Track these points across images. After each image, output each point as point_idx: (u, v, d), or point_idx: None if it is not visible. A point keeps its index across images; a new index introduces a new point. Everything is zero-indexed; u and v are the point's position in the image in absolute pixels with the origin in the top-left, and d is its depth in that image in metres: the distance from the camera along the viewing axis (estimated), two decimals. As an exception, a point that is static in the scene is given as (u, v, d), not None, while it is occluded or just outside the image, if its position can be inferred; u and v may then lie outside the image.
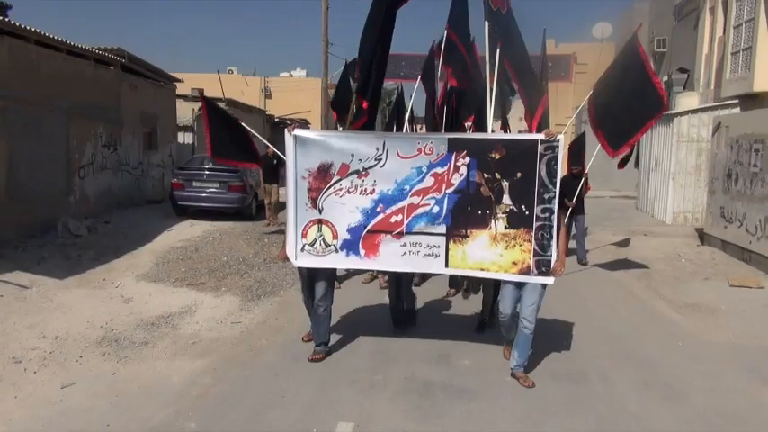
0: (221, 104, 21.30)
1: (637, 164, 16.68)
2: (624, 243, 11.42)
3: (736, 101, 13.44)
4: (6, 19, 9.22)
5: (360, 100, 5.76)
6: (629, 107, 5.88)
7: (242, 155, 5.82)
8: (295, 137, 4.90)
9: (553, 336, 5.73)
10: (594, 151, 8.12)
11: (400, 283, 5.89)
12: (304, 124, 31.53)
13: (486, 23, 5.68)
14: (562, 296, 6.74)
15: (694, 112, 13.91)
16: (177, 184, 12.73)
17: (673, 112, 14.10)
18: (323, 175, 4.93)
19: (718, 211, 10.77)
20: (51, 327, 5.84)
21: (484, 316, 6.05)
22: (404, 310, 5.98)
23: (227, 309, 6.71)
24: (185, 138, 18.39)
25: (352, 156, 4.88)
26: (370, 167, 4.87)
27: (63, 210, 10.48)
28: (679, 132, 13.66)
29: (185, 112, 18.26)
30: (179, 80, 17.05)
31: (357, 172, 4.90)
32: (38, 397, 4.41)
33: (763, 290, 7.90)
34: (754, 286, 8.00)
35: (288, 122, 30.34)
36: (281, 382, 4.72)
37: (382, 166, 4.86)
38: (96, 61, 11.96)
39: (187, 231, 11.41)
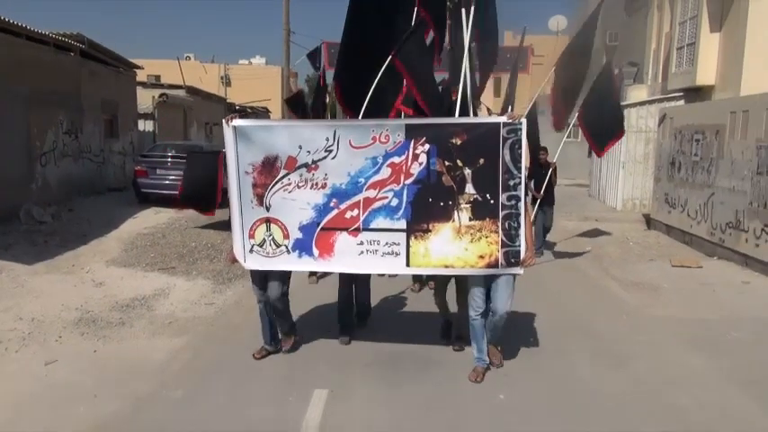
0: (181, 91, 21.23)
1: (590, 153, 17.46)
2: (577, 228, 12.02)
3: (681, 93, 14.24)
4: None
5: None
6: (606, 112, 7.35)
7: (204, 204, 5.94)
8: (234, 128, 4.49)
9: (511, 313, 6.14)
10: (561, 142, 8.92)
11: (353, 282, 5.47)
12: (264, 113, 31.44)
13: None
14: (519, 278, 7.20)
15: (642, 104, 14.63)
16: (141, 172, 12.73)
17: (623, 103, 14.79)
18: (268, 170, 4.55)
19: (662, 198, 11.47)
20: (26, 310, 5.96)
21: (458, 331, 5.33)
22: (355, 311, 5.60)
23: (199, 291, 6.92)
24: (146, 125, 18.26)
25: (300, 147, 4.50)
26: (321, 159, 4.50)
27: (25, 197, 10.42)
28: (628, 123, 14.32)
29: (145, 99, 18.11)
30: (139, 67, 16.90)
31: (306, 165, 4.52)
32: (22, 373, 4.58)
33: (701, 269, 8.55)
34: (694, 266, 8.65)
35: (249, 110, 30.22)
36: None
37: (333, 158, 4.49)
38: (56, 47, 11.83)
39: (152, 218, 11.48)
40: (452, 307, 5.30)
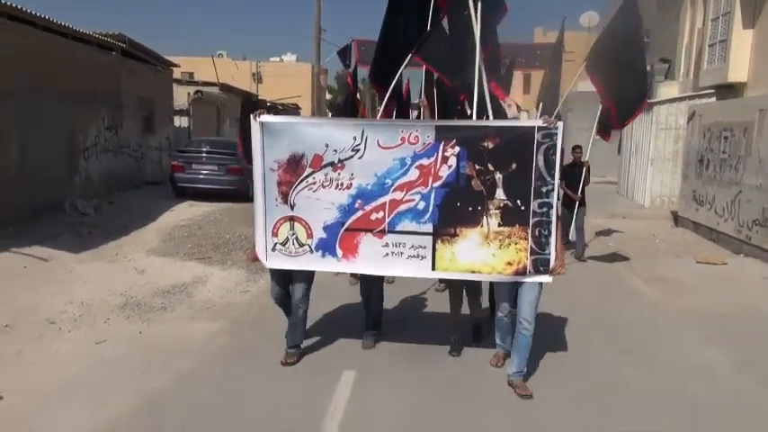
0: (215, 89, 21.79)
1: (619, 150, 17.41)
2: (604, 225, 12.09)
3: (713, 91, 14.11)
4: (14, 4, 9.59)
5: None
6: (629, 82, 6.80)
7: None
8: (261, 123, 4.44)
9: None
10: (590, 139, 8.55)
11: (373, 283, 5.34)
12: (295, 110, 31.94)
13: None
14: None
15: (672, 101, 14.56)
16: (177, 167, 13.21)
17: (653, 100, 14.74)
18: (294, 168, 4.49)
19: (690, 195, 11.47)
20: (75, 294, 6.38)
21: (478, 322, 5.42)
22: (371, 313, 5.42)
23: (234, 279, 7.29)
24: (181, 121, 18.81)
25: (327, 146, 4.43)
26: (347, 159, 4.42)
27: (69, 190, 10.94)
28: (658, 120, 14.31)
29: (181, 96, 18.65)
30: (176, 65, 17.45)
31: (332, 164, 4.45)
32: (76, 351, 4.97)
33: (725, 266, 8.60)
34: (718, 263, 8.70)
35: (280, 107, 30.73)
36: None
37: (360, 158, 4.41)
38: (99, 46, 12.36)
39: (188, 211, 11.93)
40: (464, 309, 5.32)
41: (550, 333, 5.64)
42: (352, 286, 6.77)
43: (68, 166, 11.20)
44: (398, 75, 5.91)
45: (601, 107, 7.74)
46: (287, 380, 4.55)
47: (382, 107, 6.27)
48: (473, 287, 5.21)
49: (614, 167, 18.52)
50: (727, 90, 13.53)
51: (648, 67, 18.43)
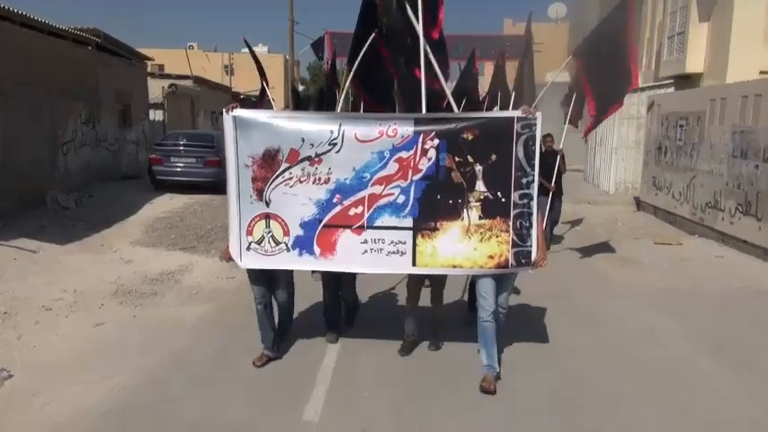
0: (189, 82, 21.85)
1: (585, 139, 18.05)
2: (570, 211, 12.64)
3: (672, 81, 14.80)
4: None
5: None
6: (613, 75, 6.52)
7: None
8: (234, 118, 4.32)
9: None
10: (563, 130, 8.49)
11: (339, 279, 5.20)
12: (268, 102, 32.00)
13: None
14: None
15: (635, 91, 15.16)
16: (155, 159, 13.40)
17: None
18: (269, 163, 4.36)
19: (650, 181, 12.11)
20: (67, 283, 6.65)
21: (437, 321, 5.19)
22: (341, 310, 5.39)
23: (220, 267, 7.58)
24: (156, 115, 18.89)
25: (303, 140, 4.32)
26: (324, 153, 4.32)
27: (49, 184, 11.09)
28: (621, 110, 14.89)
29: (155, 89, 18.72)
30: (150, 58, 17.53)
31: (309, 158, 4.34)
32: (75, 334, 5.28)
33: (681, 246, 9.22)
34: (675, 243, 9.32)
35: (253, 99, 30.82)
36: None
37: (338, 152, 4.32)
38: (74, 41, 12.45)
39: (168, 204, 12.16)
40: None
41: (524, 309, 6.12)
42: (315, 282, 6.13)
43: (49, 161, 11.35)
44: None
45: (575, 97, 7.85)
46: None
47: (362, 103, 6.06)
48: (438, 277, 5.01)
49: (582, 156, 19.19)
50: (686, 80, 14.23)
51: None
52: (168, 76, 20.75)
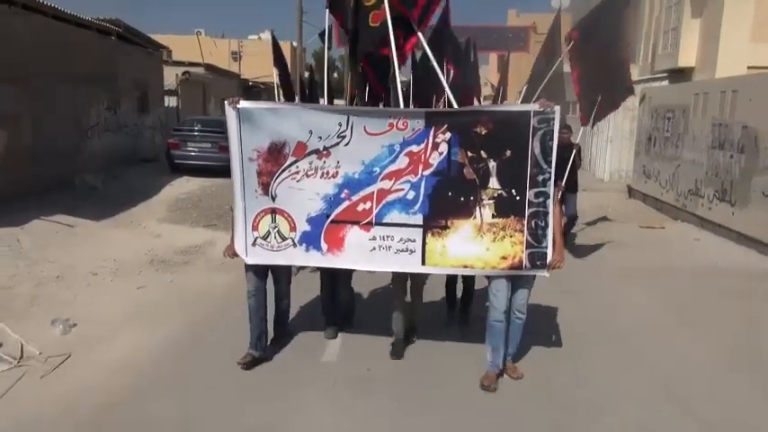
0: (200, 69, 22.55)
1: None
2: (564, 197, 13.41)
3: (666, 74, 15.47)
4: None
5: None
6: (607, 86, 6.30)
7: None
8: (238, 111, 4.16)
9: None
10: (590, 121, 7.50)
11: (337, 276, 5.11)
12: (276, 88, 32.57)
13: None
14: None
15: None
16: (173, 144, 14.19)
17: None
18: (275, 157, 4.23)
19: (641, 170, 12.84)
20: (106, 254, 7.45)
21: (413, 323, 5.04)
22: (339, 308, 5.28)
23: (241, 242, 8.40)
24: (170, 101, 19.63)
25: (311, 132, 4.18)
26: (332, 146, 4.18)
27: (77, 166, 11.87)
28: (616, 101, 15.59)
29: (169, 76, 19.43)
30: (166, 47, 18.22)
31: (316, 152, 4.21)
32: (122, 295, 6.09)
33: (663, 230, 9.98)
34: (657, 227, 10.08)
35: (261, 86, 31.45)
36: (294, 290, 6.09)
37: (346, 145, 4.18)
38: (98, 32, 13.17)
39: (186, 185, 12.96)
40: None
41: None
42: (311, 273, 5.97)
43: (75, 145, 12.12)
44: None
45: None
46: (294, 324, 5.71)
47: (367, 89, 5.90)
48: (417, 278, 4.89)
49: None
50: (679, 74, 14.89)
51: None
52: (181, 64, 21.43)
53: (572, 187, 8.21)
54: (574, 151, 7.60)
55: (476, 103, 4.79)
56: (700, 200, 9.85)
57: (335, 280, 5.16)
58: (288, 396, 4.12)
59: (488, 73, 33.74)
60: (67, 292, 6.02)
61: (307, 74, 10.24)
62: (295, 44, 27.77)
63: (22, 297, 5.73)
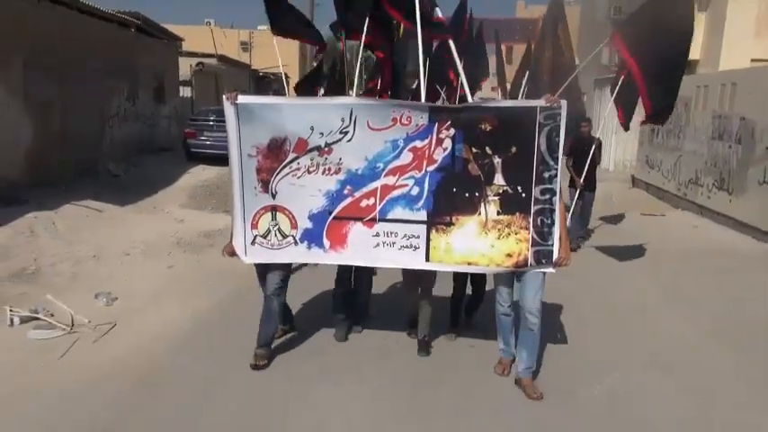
0: (213, 60, 22.97)
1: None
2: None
3: (672, 66, 15.71)
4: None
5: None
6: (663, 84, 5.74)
7: (305, 30, 5.51)
8: (237, 106, 4.05)
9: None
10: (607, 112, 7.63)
11: (359, 277, 5.08)
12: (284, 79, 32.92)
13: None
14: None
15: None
16: (190, 133, 14.66)
17: (618, 75, 16.30)
18: (275, 153, 4.14)
19: (644, 160, 13.20)
20: (136, 236, 7.93)
21: (424, 333, 4.78)
22: (356, 303, 5.17)
23: (260, 227, 8.87)
24: (184, 92, 20.08)
25: (312, 128, 4.10)
26: (335, 142, 4.11)
27: (100, 154, 12.36)
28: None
29: (183, 67, 19.87)
30: (181, 39, 18.64)
31: (318, 148, 4.13)
32: (154, 273, 6.57)
33: (664, 217, 10.37)
34: (658, 214, 10.47)
35: (271, 77, 31.83)
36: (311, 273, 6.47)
37: (349, 140, 4.10)
38: (119, 24, 13.62)
39: (203, 173, 13.43)
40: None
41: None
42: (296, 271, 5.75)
43: (98, 134, 12.60)
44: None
45: (622, 81, 6.52)
46: (307, 307, 6.15)
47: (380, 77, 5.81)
48: (428, 281, 4.72)
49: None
50: (687, 66, 15.13)
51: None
52: (194, 55, 21.86)
53: (591, 185, 7.88)
54: (594, 145, 7.23)
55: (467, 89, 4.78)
56: (699, 189, 10.22)
57: (358, 281, 5.09)
58: (311, 363, 4.58)
59: (492, 64, 33.80)
60: (104, 270, 6.51)
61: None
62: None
63: (64, 274, 6.23)
